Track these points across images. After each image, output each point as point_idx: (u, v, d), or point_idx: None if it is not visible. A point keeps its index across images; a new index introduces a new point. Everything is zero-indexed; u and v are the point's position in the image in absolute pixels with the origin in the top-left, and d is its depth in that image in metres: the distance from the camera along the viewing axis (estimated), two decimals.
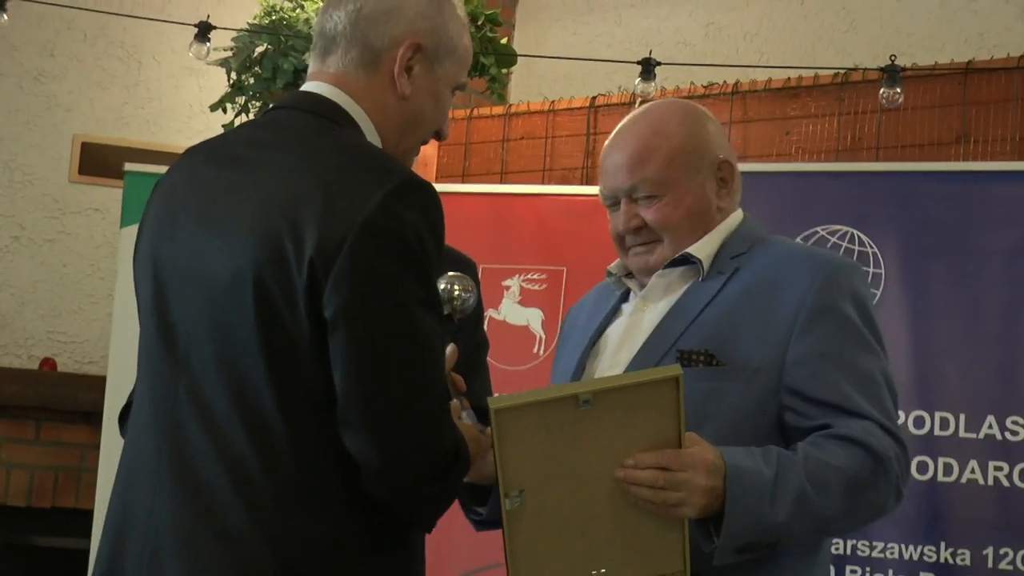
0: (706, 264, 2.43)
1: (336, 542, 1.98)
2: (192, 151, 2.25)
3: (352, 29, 2.16)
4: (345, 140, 2.10)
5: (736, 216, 2.52)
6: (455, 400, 2.31)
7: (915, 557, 3.84)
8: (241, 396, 1.96)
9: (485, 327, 3.08)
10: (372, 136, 2.14)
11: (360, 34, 2.16)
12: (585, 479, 2.16)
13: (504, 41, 5.27)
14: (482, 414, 2.43)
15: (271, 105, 2.32)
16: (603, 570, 2.19)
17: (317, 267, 1.91)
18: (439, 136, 2.30)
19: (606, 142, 2.54)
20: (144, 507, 2.04)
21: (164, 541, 1.99)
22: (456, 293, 2.39)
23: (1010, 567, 3.72)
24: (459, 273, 2.42)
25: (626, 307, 2.52)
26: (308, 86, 2.18)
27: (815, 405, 2.28)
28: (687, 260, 2.44)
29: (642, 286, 2.50)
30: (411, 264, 1.97)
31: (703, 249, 2.43)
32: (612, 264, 2.56)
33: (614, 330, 2.49)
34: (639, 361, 2.35)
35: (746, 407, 2.31)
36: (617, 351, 2.44)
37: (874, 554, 3.89)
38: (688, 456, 2.10)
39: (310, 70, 2.23)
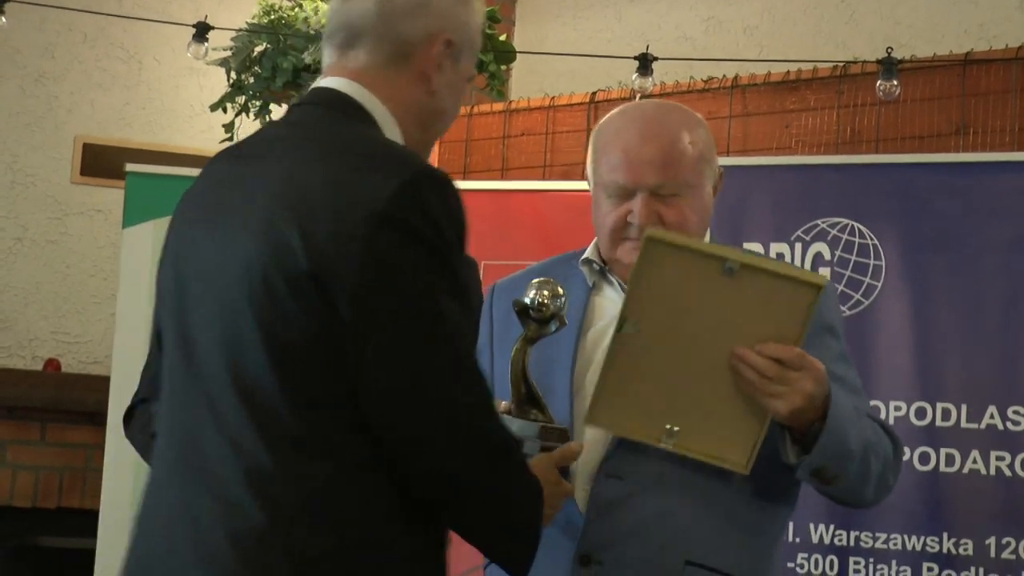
0: None
1: (354, 553, 1.91)
2: (219, 153, 2.21)
3: (381, 22, 2.09)
4: (359, 134, 2.05)
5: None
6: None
7: (918, 548, 3.85)
8: (250, 399, 1.92)
9: None
10: (393, 132, 2.09)
11: (390, 28, 2.09)
12: (700, 341, 2.23)
13: (504, 38, 5.26)
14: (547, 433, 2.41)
15: (293, 103, 2.30)
16: (676, 428, 2.25)
17: (328, 260, 1.86)
18: None
19: (619, 126, 2.53)
20: (162, 522, 2.00)
21: (182, 546, 1.95)
22: (544, 301, 2.33)
23: (1012, 556, 3.73)
24: (544, 279, 2.37)
25: (602, 302, 2.52)
26: (327, 81, 2.12)
27: None
28: None
29: (622, 280, 2.49)
30: (431, 254, 1.91)
31: None
32: (589, 252, 2.56)
33: (606, 329, 2.46)
34: None
35: None
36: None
37: (877, 545, 3.90)
38: (807, 360, 2.19)
39: (326, 63, 2.16)
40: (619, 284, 2.51)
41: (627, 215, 2.47)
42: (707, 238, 2.54)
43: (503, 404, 2.32)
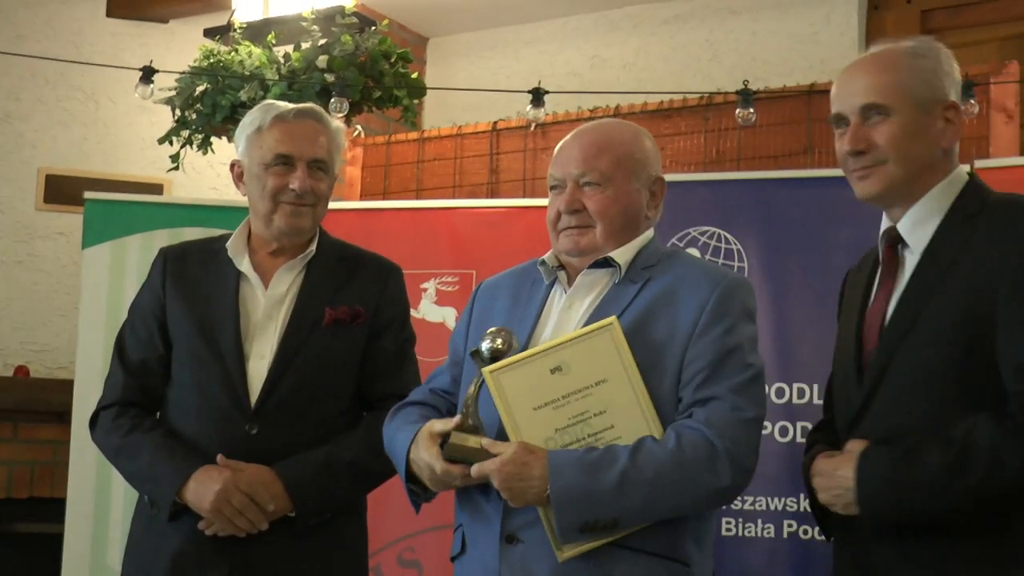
0: (623, 269, 2.47)
1: None
2: None
3: None
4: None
5: (650, 232, 2.57)
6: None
7: (779, 508, 3.88)
8: None
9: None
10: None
11: None
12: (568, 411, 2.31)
13: (416, 76, 5.27)
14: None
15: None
16: None
17: None
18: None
19: (564, 140, 2.57)
20: None
21: None
22: (499, 347, 2.36)
23: None
24: (498, 328, 2.40)
25: (554, 300, 2.52)
26: None
27: (689, 402, 2.35)
28: (608, 263, 2.47)
29: (571, 278, 2.51)
30: None
31: (623, 255, 2.48)
32: (546, 255, 2.57)
33: (547, 326, 2.48)
34: None
35: (662, 400, 2.35)
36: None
37: (745, 507, 3.92)
38: (491, 468, 2.25)
39: None
40: (564, 285, 2.52)
41: (559, 206, 2.50)
42: (629, 246, 2.49)
43: (456, 419, 2.37)
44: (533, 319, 2.49)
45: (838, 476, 2.27)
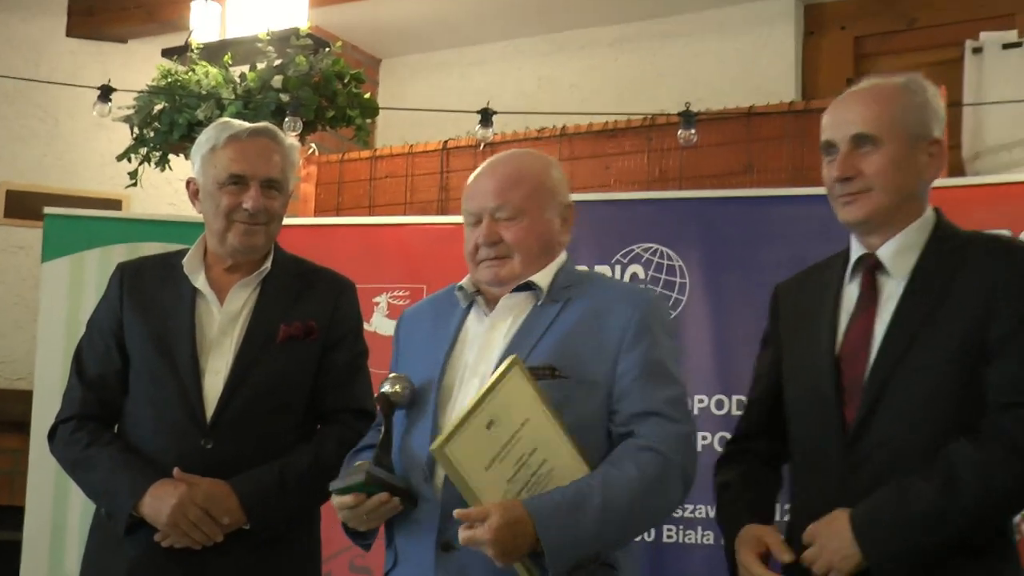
0: (544, 291, 2.49)
1: None
2: None
3: None
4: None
5: (564, 255, 2.59)
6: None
7: None
8: None
9: None
10: None
11: None
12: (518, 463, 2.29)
13: (368, 96, 5.26)
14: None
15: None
16: None
17: None
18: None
19: (475, 174, 2.58)
20: None
21: None
22: (397, 390, 2.45)
23: None
24: (397, 375, 2.48)
25: (471, 323, 2.54)
26: None
27: (628, 415, 2.37)
28: (529, 287, 2.49)
29: (489, 302, 2.52)
30: None
31: (543, 279, 2.50)
32: (464, 281, 2.57)
33: (469, 346, 2.50)
34: None
35: (590, 415, 2.38)
36: (476, 365, 2.46)
37: (685, 515, 3.93)
38: (483, 534, 2.19)
39: None
40: (483, 309, 2.53)
41: (477, 238, 2.51)
42: (547, 270, 2.52)
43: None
44: (449, 341, 2.50)
45: (833, 540, 2.27)
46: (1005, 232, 3.87)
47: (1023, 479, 2.20)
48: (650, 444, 2.31)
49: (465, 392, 2.42)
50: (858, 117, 2.41)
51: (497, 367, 2.32)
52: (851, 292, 2.45)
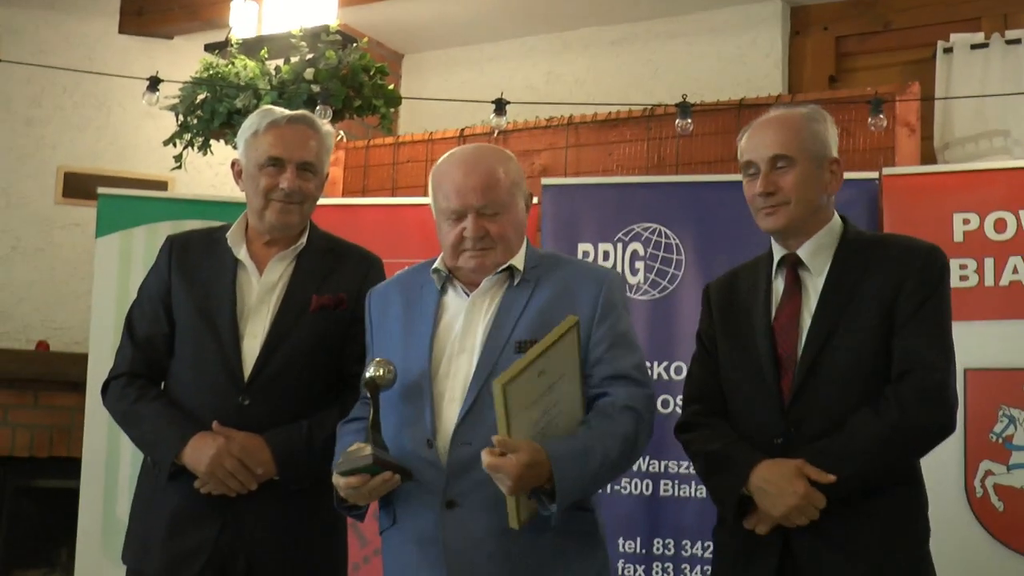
0: (520, 273, 2.54)
1: None
2: None
3: None
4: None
5: (525, 238, 2.63)
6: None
7: None
8: None
9: None
10: None
11: None
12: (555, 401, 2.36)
13: (392, 87, 5.24)
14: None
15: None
16: None
17: None
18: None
19: (447, 168, 2.56)
20: None
21: None
22: (381, 373, 2.46)
23: None
24: (380, 359, 2.48)
25: (450, 302, 2.55)
26: None
27: (601, 377, 2.44)
28: (506, 269, 2.53)
29: (465, 283, 2.55)
30: None
31: (519, 261, 2.55)
32: (437, 263, 2.59)
33: (453, 322, 2.52)
34: (488, 350, 2.44)
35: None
36: (463, 340, 2.49)
37: (680, 471, 3.93)
38: (505, 462, 2.23)
39: None
40: (462, 289, 2.56)
41: (462, 232, 2.51)
42: (520, 254, 2.56)
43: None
44: (430, 321, 2.53)
45: (792, 487, 2.38)
46: (972, 215, 3.86)
47: (905, 433, 2.38)
48: (629, 404, 2.39)
49: (457, 365, 2.45)
50: (774, 141, 2.57)
51: (488, 351, 2.41)
52: (778, 286, 2.61)
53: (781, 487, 2.38)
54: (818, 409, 2.44)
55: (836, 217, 2.63)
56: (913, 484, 2.49)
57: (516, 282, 2.52)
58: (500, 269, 2.52)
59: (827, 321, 2.48)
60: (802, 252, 2.58)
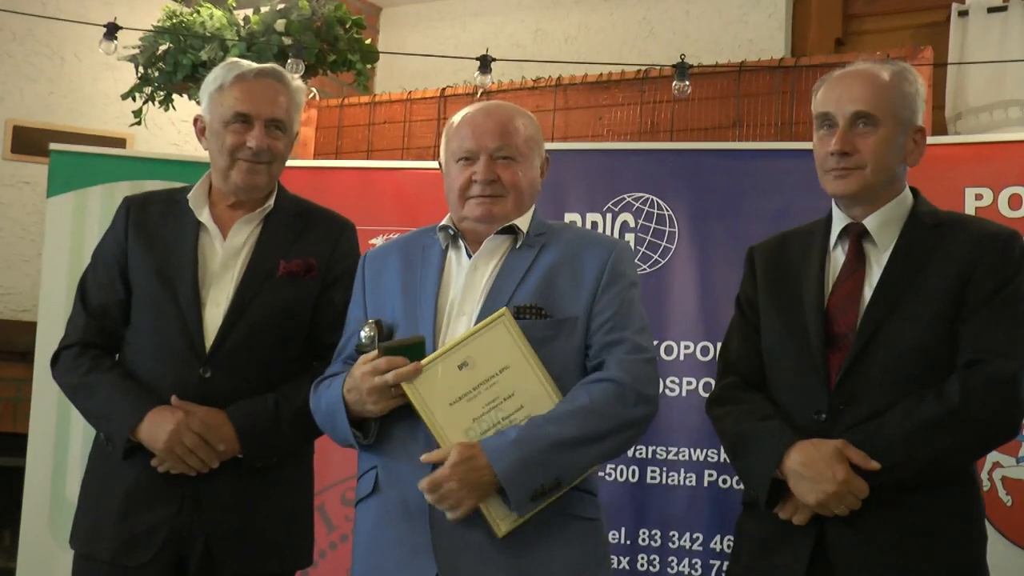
0: (524, 235, 2.57)
1: None
2: None
3: None
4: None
5: (534, 205, 2.66)
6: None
7: (701, 458, 3.89)
8: None
9: None
10: None
11: None
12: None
13: (369, 42, 5.21)
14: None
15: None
16: None
17: None
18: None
19: (467, 113, 2.61)
20: None
21: None
22: (371, 334, 2.50)
23: None
24: (371, 321, 2.52)
25: (452, 263, 2.57)
26: None
27: (600, 346, 2.47)
28: (511, 230, 2.56)
29: (470, 243, 2.56)
30: None
31: (524, 223, 2.58)
32: (445, 220, 2.61)
33: (453, 286, 2.54)
34: (486, 313, 2.45)
35: (570, 351, 2.47)
36: (462, 303, 2.51)
37: (669, 457, 3.94)
38: (450, 475, 2.31)
39: None
40: (466, 249, 2.56)
41: (471, 176, 2.54)
42: (526, 215, 2.59)
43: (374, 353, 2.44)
44: (435, 281, 2.54)
45: (831, 472, 2.32)
46: (986, 190, 3.86)
47: (965, 422, 2.31)
48: (605, 375, 2.40)
49: (453, 329, 2.48)
50: (860, 97, 2.47)
51: (486, 314, 2.42)
52: (837, 257, 2.54)
53: (819, 471, 2.31)
54: (869, 391, 2.37)
55: (907, 189, 2.56)
56: (968, 484, 2.40)
57: (519, 245, 2.55)
58: (504, 227, 2.54)
59: (890, 299, 2.41)
60: (869, 223, 2.50)
